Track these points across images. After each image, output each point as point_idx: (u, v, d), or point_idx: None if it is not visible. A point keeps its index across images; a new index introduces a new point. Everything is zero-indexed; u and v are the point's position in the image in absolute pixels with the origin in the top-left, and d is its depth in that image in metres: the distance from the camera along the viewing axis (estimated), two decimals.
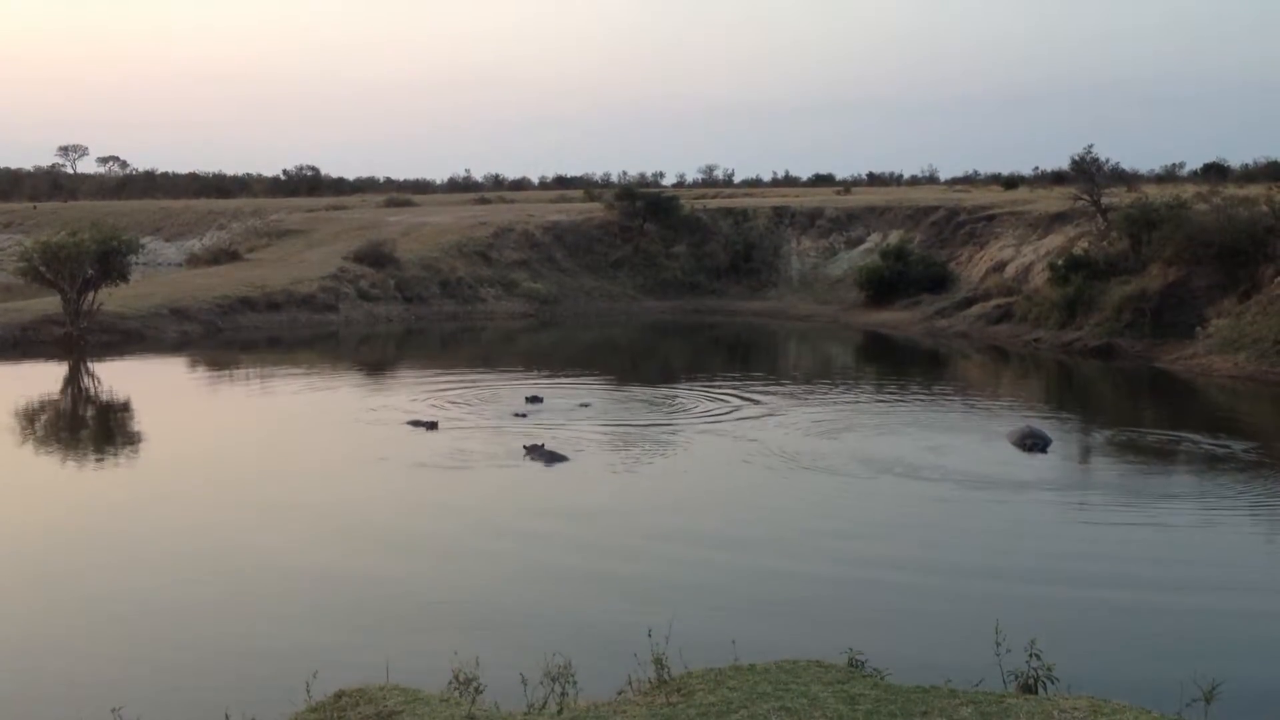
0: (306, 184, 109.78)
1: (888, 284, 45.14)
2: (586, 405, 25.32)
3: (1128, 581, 13.64)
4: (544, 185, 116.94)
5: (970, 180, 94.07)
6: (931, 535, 15.65)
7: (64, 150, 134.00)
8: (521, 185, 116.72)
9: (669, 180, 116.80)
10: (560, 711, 8.07)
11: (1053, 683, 8.35)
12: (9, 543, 15.45)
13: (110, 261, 36.52)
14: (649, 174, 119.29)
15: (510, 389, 27.66)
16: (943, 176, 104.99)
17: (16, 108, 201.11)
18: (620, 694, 8.61)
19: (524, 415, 24.02)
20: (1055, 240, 42.65)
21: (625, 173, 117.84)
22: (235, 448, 21.96)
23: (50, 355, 33.83)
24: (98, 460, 21.03)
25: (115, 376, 30.71)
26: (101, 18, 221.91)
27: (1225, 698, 7.85)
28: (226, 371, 32.09)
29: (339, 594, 13.16)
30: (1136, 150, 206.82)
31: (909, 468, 19.29)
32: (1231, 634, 12.04)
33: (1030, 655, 8.38)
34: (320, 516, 16.67)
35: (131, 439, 23.11)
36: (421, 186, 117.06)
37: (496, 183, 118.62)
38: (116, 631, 12.05)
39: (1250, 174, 67.24)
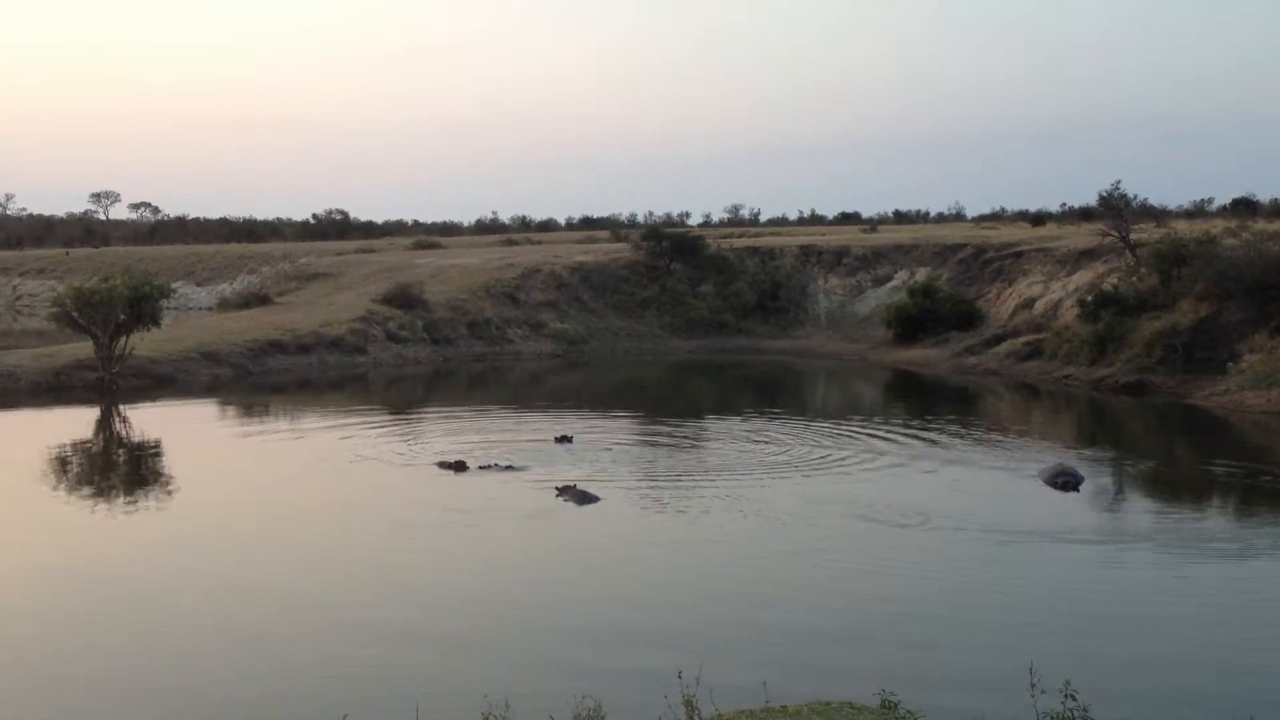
0: (336, 227, 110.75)
1: (916, 322, 45.03)
2: (609, 450, 25.21)
3: (1164, 622, 13.48)
4: (570, 226, 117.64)
5: (997, 217, 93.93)
6: (963, 577, 15.49)
7: (97, 197, 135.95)
8: (548, 226, 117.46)
9: (695, 220, 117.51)
10: None
11: None
12: (34, 588, 15.53)
13: (142, 306, 36.86)
14: (675, 214, 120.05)
15: (539, 429, 27.67)
16: (969, 213, 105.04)
17: (50, 156, 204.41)
18: None
19: (553, 455, 24.03)
20: (1084, 276, 42.47)
21: (651, 213, 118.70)
22: (263, 492, 22.00)
23: (83, 400, 34.11)
24: (127, 506, 21.10)
25: (147, 421, 30.92)
26: (132, 67, 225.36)
27: None
28: (256, 415, 32.25)
29: (365, 636, 13.14)
30: (1165, 186, 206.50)
31: (937, 508, 19.15)
32: (1271, 673, 11.86)
33: (1065, 696, 8.26)
34: (346, 562, 16.68)
35: (161, 484, 23.16)
36: (449, 229, 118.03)
37: (523, 224, 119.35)
38: (136, 675, 12.06)
39: None
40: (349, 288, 53.71)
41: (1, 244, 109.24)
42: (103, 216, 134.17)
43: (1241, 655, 12.37)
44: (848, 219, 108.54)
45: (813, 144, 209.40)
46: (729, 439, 26.53)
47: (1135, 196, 45.02)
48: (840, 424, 28.65)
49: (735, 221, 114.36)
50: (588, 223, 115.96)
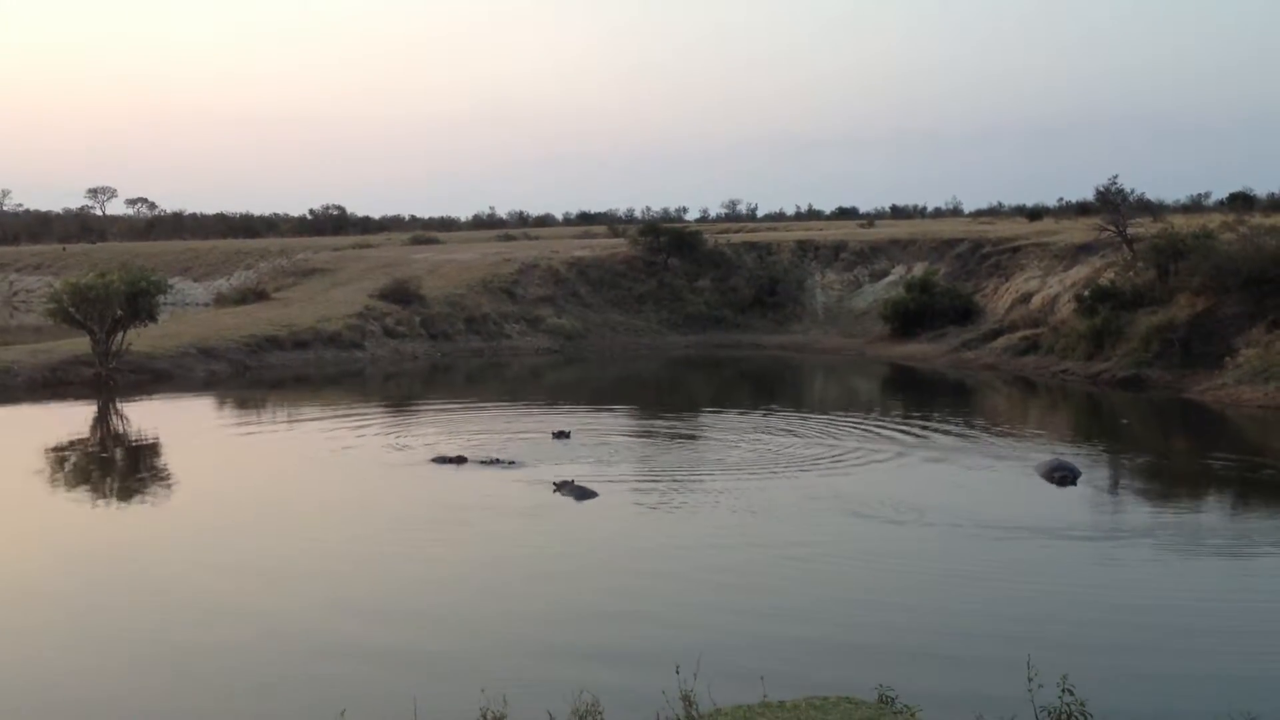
0: (333, 223, 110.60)
1: (913, 316, 45.04)
2: (608, 443, 25.27)
3: (1163, 619, 13.49)
4: (568, 221, 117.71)
5: (994, 212, 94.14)
6: (960, 574, 15.49)
7: (93, 192, 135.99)
8: (545, 222, 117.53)
9: (692, 215, 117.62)
10: None
11: (1086, 718, 8.24)
12: (27, 597, 15.51)
13: (139, 302, 36.80)
14: (672, 209, 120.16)
15: (537, 424, 27.66)
16: (967, 208, 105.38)
17: (47, 151, 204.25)
18: None
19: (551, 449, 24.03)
20: (1081, 271, 42.48)
21: (649, 208, 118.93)
22: (259, 490, 21.94)
23: (80, 396, 34.06)
24: (123, 506, 21.09)
25: (143, 416, 30.87)
26: (129, 62, 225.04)
27: None
28: (253, 410, 32.22)
29: (363, 633, 13.14)
30: (1161, 180, 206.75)
31: (933, 504, 19.14)
32: (1271, 673, 11.86)
33: (1063, 691, 8.28)
34: (344, 559, 16.67)
35: (158, 482, 23.13)
36: (446, 224, 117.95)
37: (521, 219, 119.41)
38: (129, 676, 12.05)
39: (1277, 203, 66.94)
40: (346, 283, 53.65)
41: None
42: (99, 212, 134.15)
43: (1241, 653, 12.36)
44: (845, 214, 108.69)
45: (810, 139, 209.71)
46: (726, 434, 26.52)
47: (1132, 191, 44.80)
48: (837, 419, 28.63)
49: (732, 216, 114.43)
50: (585, 218, 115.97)
